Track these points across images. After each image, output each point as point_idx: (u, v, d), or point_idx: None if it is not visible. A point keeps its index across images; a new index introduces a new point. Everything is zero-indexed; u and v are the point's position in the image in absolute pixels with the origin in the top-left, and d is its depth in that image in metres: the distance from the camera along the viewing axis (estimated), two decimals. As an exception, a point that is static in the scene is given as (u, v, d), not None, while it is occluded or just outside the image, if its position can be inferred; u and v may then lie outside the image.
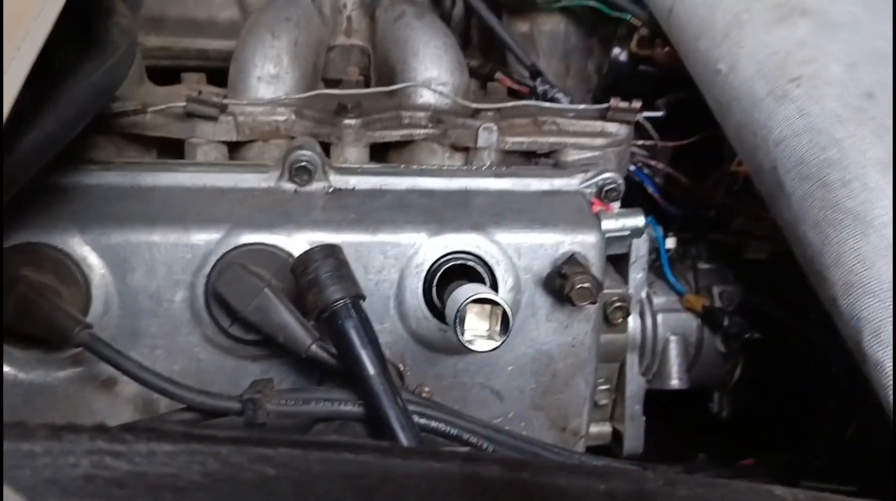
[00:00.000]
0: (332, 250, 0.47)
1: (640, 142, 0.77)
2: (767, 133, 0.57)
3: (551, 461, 0.39)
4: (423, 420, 0.46)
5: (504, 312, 0.45)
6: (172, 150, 0.62)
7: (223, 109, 0.60)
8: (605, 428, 0.69)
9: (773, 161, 0.56)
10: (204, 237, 0.52)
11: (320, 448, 0.25)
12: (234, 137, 0.61)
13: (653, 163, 0.78)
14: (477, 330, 0.46)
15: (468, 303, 0.45)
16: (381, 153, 0.65)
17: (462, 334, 0.45)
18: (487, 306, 0.46)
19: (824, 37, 0.60)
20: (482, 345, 0.45)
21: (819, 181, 0.51)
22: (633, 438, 0.68)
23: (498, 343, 0.45)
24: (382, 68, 0.69)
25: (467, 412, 0.51)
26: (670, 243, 0.74)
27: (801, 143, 0.54)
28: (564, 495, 0.28)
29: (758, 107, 0.58)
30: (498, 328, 0.46)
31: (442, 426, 0.46)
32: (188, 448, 0.23)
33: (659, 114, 0.71)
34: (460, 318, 0.45)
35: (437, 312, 0.53)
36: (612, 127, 0.66)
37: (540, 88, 0.76)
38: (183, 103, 0.59)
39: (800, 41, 0.60)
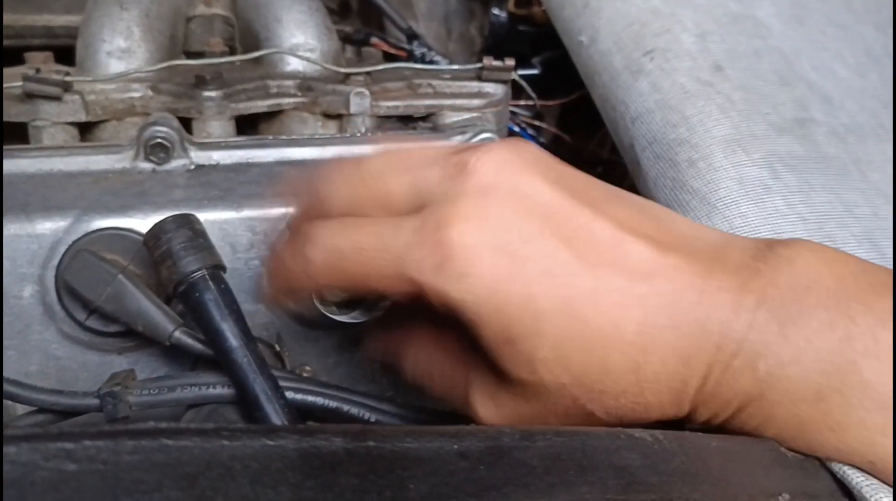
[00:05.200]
0: (185, 220, 0.43)
1: (522, 102, 0.76)
2: (625, 110, 0.56)
3: (399, 427, 0.38)
4: (298, 396, 0.44)
5: None
6: (18, 136, 0.57)
7: (67, 87, 0.55)
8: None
9: (631, 138, 0.56)
10: (49, 226, 0.48)
11: (132, 436, 0.23)
12: (83, 118, 0.56)
13: (536, 123, 0.78)
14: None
15: None
16: (251, 126, 0.62)
17: (322, 306, 0.43)
18: None
19: (677, 3, 0.60)
20: (347, 317, 0.44)
21: (670, 161, 0.51)
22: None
23: (361, 319, 0.44)
24: (247, 37, 0.66)
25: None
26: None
27: (654, 120, 0.54)
28: (415, 458, 0.27)
29: (616, 82, 0.57)
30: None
31: (319, 400, 0.44)
32: (-34, 452, 0.21)
33: (534, 71, 0.70)
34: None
35: (314, 287, 0.51)
36: (488, 87, 0.65)
37: (417, 52, 0.75)
38: (20, 83, 0.54)
39: (654, 10, 0.60)
